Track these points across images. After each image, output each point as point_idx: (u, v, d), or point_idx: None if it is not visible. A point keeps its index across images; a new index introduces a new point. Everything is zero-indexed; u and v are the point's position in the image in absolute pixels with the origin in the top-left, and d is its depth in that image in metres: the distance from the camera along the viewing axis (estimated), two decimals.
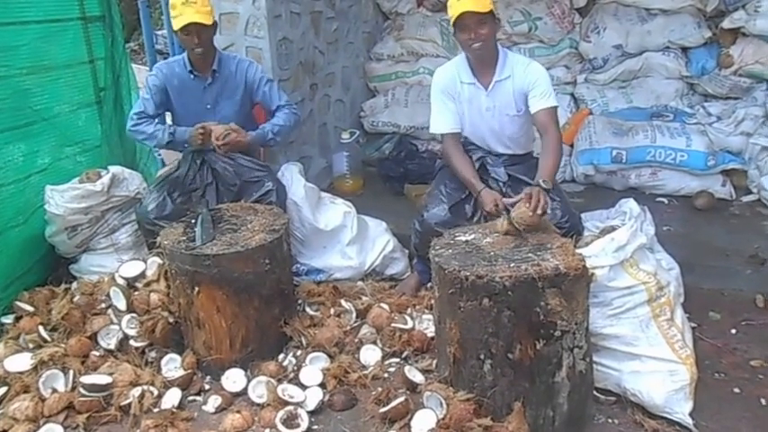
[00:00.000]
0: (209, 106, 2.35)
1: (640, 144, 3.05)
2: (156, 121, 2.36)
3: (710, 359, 1.93)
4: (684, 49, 3.40)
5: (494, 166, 2.19)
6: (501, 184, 2.15)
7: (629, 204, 2.08)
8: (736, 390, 1.81)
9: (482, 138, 2.21)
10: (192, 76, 2.32)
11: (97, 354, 1.97)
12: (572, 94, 3.55)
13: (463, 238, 1.79)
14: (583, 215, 2.21)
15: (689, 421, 1.65)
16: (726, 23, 3.24)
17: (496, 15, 2.03)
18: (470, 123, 2.18)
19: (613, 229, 1.84)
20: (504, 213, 1.79)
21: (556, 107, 2.04)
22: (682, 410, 1.66)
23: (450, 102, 2.14)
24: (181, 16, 2.15)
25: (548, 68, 2.48)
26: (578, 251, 1.65)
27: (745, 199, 3.00)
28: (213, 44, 2.31)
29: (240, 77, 2.34)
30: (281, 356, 2.01)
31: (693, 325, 2.04)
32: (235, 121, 2.35)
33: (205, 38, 2.22)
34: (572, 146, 3.31)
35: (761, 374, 1.87)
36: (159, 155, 3.06)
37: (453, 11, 1.98)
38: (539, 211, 1.71)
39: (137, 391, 1.81)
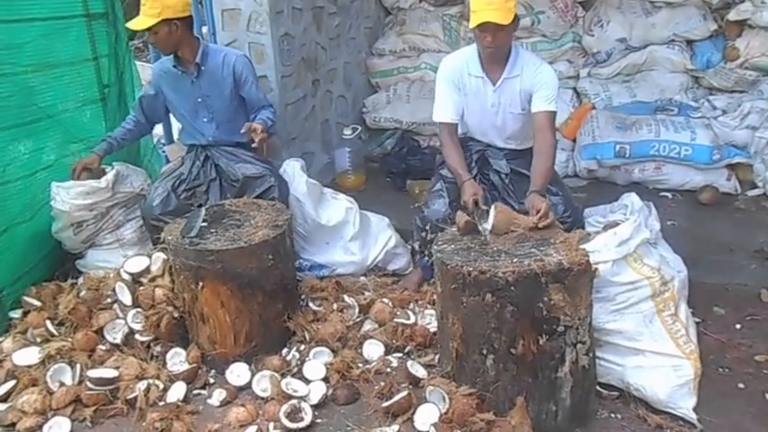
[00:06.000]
0: (200, 100, 2.35)
1: (644, 138, 3.03)
2: (133, 115, 2.46)
3: (715, 354, 1.92)
4: (689, 42, 3.37)
5: (495, 158, 2.18)
6: (503, 175, 2.15)
7: (631, 198, 2.07)
8: (741, 385, 1.80)
9: (484, 132, 2.20)
10: (179, 72, 2.32)
11: (103, 348, 1.99)
12: (575, 89, 3.52)
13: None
14: (585, 210, 2.21)
15: (693, 416, 1.65)
16: (732, 15, 3.21)
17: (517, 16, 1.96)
18: (473, 117, 2.17)
19: (616, 224, 1.83)
20: (476, 209, 1.84)
21: (555, 113, 2.05)
22: (686, 405, 1.66)
23: (455, 91, 2.12)
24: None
25: (550, 62, 2.47)
26: (581, 246, 1.65)
27: (751, 193, 2.98)
28: (189, 37, 2.27)
29: (228, 70, 2.32)
30: (284, 351, 2.03)
31: (697, 320, 2.03)
32: (225, 114, 2.34)
33: (162, 35, 2.18)
34: (575, 140, 3.30)
35: (765, 370, 1.86)
36: (163, 152, 3.07)
37: (475, 18, 1.90)
38: (548, 220, 1.74)
39: (142, 385, 1.83)
